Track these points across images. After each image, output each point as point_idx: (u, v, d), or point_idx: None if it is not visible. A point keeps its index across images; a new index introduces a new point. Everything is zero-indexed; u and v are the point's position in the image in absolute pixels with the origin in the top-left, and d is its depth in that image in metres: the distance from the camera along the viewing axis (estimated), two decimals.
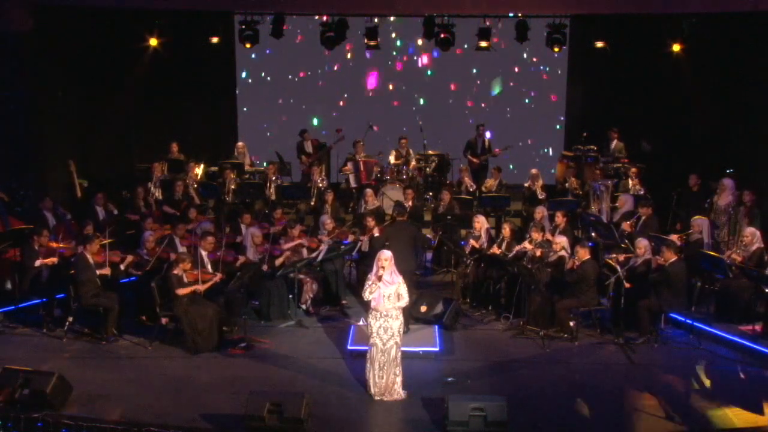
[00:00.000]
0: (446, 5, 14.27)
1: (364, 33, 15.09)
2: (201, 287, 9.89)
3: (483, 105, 17.09)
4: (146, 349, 9.85)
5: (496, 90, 15.48)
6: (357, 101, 17.16)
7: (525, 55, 16.63)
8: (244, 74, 17.04)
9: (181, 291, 9.77)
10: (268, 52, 16.59)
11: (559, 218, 11.85)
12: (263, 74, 17.19)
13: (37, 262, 10.53)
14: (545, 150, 17.10)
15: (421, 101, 17.19)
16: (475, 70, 17.02)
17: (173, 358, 9.65)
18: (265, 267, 10.82)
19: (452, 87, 17.14)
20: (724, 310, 10.64)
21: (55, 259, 10.59)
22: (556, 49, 14.72)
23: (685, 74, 14.83)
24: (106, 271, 10.17)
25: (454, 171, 15.57)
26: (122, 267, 10.52)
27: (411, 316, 10.35)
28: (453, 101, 17.18)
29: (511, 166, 16.27)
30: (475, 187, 14.60)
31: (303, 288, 11.07)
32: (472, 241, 11.73)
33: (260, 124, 17.34)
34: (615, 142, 14.78)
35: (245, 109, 17.17)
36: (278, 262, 11.00)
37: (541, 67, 16.90)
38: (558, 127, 17.04)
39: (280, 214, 12.52)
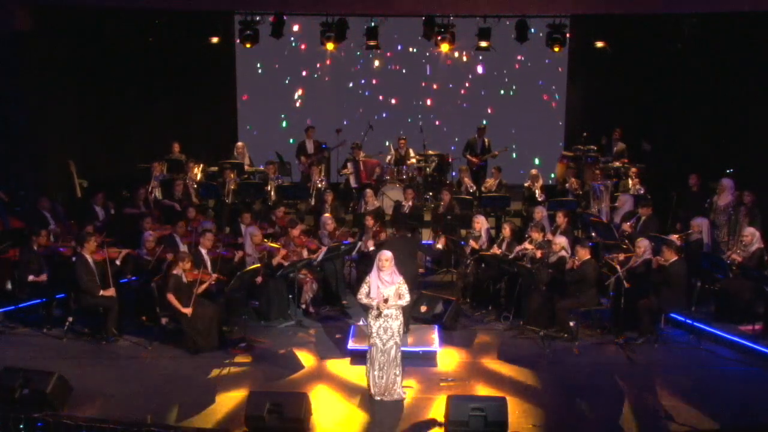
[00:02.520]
0: (446, 5, 14.26)
1: (364, 33, 15.09)
2: (189, 311, 9.65)
3: (483, 105, 17.08)
4: (146, 349, 9.85)
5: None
6: (357, 101, 17.15)
7: (525, 55, 16.61)
8: (243, 74, 17.01)
9: (171, 298, 9.67)
10: (268, 52, 16.56)
11: (561, 218, 11.84)
12: (263, 74, 17.17)
13: (30, 278, 10.45)
14: (545, 150, 17.06)
15: (429, 102, 17.18)
16: (476, 70, 17.01)
17: (173, 358, 9.65)
18: (259, 279, 10.75)
19: (452, 87, 17.16)
20: (724, 310, 10.63)
21: (44, 277, 10.48)
22: (557, 49, 14.73)
23: (685, 74, 14.85)
24: (111, 292, 10.06)
25: (454, 171, 15.57)
26: (118, 262, 10.52)
27: (411, 316, 10.35)
28: (453, 101, 17.18)
29: (513, 155, 16.32)
30: (475, 187, 14.60)
31: (303, 288, 11.07)
32: (472, 242, 11.73)
33: (260, 125, 17.32)
34: (618, 143, 14.79)
35: (243, 99, 17.17)
36: (275, 261, 10.99)
37: (541, 68, 16.88)
38: (558, 126, 17.04)
39: (282, 214, 12.51)
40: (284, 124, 17.20)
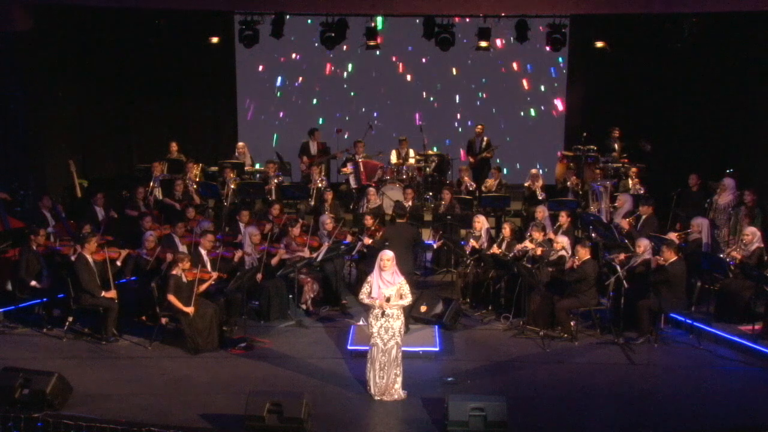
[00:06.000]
0: (446, 5, 14.25)
1: (364, 33, 15.08)
2: (191, 311, 9.68)
3: (483, 105, 17.09)
4: (146, 349, 9.85)
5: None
6: (357, 101, 17.15)
7: (525, 55, 16.60)
8: (243, 75, 16.99)
9: (172, 299, 9.69)
10: (268, 52, 16.55)
11: (563, 218, 11.84)
12: (263, 74, 17.17)
13: (32, 283, 10.47)
14: (545, 150, 17.07)
15: (429, 102, 17.19)
16: (476, 70, 17.01)
17: (173, 358, 9.65)
18: (259, 276, 10.72)
19: (453, 86, 17.16)
20: (724, 310, 10.63)
21: (46, 284, 10.49)
22: (557, 50, 14.72)
23: (685, 74, 14.84)
24: (112, 294, 10.08)
25: (454, 171, 15.58)
26: (118, 263, 10.52)
27: (411, 316, 10.35)
28: (453, 101, 17.18)
29: (517, 166, 16.35)
30: (475, 186, 14.61)
31: (303, 288, 11.07)
32: (472, 241, 11.73)
33: (261, 124, 17.32)
34: (617, 142, 14.80)
35: (247, 103, 17.17)
36: (274, 261, 10.99)
37: (541, 68, 16.88)
38: (558, 126, 17.03)
39: (278, 211, 12.49)
40: (275, 138, 17.17)
